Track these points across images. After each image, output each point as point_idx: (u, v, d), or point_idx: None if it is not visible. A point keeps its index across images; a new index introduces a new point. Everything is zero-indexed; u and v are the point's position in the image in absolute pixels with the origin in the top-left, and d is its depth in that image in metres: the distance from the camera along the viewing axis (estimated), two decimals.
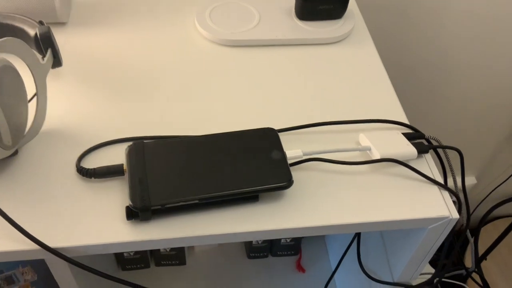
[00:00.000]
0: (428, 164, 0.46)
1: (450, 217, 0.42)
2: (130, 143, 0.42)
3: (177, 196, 0.38)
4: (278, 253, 0.77)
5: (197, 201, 0.38)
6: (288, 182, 0.40)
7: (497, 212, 1.26)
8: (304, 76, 0.53)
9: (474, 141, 1.06)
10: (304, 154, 0.43)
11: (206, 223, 0.39)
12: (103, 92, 0.50)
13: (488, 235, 1.22)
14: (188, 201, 0.38)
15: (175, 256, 0.73)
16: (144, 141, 0.42)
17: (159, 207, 0.38)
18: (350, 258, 0.67)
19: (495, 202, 1.23)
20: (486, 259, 1.04)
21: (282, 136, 0.46)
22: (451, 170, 0.48)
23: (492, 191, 1.17)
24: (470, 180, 1.17)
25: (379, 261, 0.55)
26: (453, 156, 0.52)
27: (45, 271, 0.61)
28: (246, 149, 0.42)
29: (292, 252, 0.77)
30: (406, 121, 0.49)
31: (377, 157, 0.43)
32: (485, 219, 1.23)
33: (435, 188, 0.43)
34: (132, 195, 0.38)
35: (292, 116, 0.49)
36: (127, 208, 0.38)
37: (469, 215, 0.48)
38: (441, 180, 0.44)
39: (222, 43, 0.56)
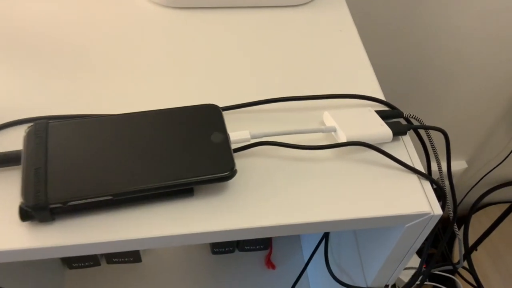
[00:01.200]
0: (407, 149, 0.38)
1: (432, 214, 0.34)
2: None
3: (83, 191, 0.30)
4: (246, 247, 0.70)
5: (110, 197, 0.30)
6: (230, 171, 0.32)
7: (489, 198, 1.20)
8: (262, 44, 0.45)
9: (464, 123, 0.98)
10: (253, 137, 0.34)
11: (124, 225, 0.31)
12: (11, 63, 0.41)
13: (479, 222, 1.15)
14: (98, 197, 0.30)
15: (128, 252, 0.65)
16: (50, 121, 0.33)
17: (60, 205, 0.30)
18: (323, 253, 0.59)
19: (487, 188, 1.17)
20: (476, 250, 0.97)
21: (229, 115, 0.38)
22: (436, 155, 0.40)
23: (484, 176, 1.10)
24: (460, 165, 1.10)
25: (352, 262, 0.47)
26: (438, 139, 0.44)
27: None
28: (179, 131, 0.33)
29: (262, 247, 0.70)
30: (382, 97, 0.41)
31: (343, 139, 0.35)
32: (476, 206, 1.16)
33: (414, 177, 0.36)
34: (25, 190, 0.29)
35: (245, 91, 0.40)
36: (20, 206, 0.30)
37: (456, 209, 0.40)
38: (422, 168, 0.36)
39: (165, 4, 0.47)
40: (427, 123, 0.96)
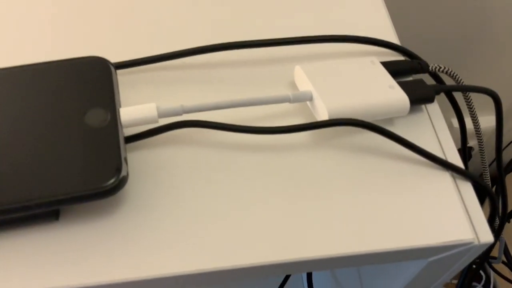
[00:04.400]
0: (434, 127, 0.22)
1: (475, 243, 0.19)
2: None
3: None
4: None
5: None
6: (112, 181, 0.18)
7: None
8: None
9: (493, 71, 0.81)
10: (164, 114, 0.20)
11: None
12: None
13: (511, 185, 1.00)
14: None
15: None
16: None
17: None
18: None
19: None
20: (509, 222, 0.83)
21: (129, 77, 0.23)
22: (478, 133, 0.26)
23: None
24: (489, 121, 0.94)
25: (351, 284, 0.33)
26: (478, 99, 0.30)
27: None
28: (32, 107, 0.19)
29: None
30: (395, 40, 0.26)
31: (323, 115, 0.20)
32: (510, 167, 1.01)
33: (446, 177, 0.21)
34: None
35: (158, 35, 0.25)
36: None
37: (504, 220, 0.26)
38: (460, 160, 0.21)
39: None
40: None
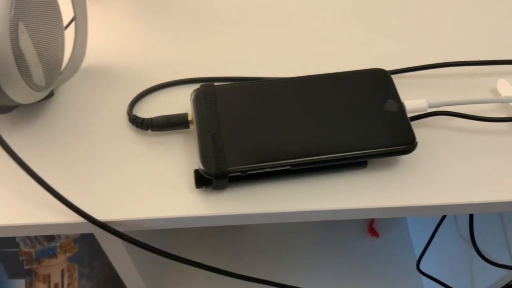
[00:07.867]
0: None
1: None
2: (197, 86, 0.32)
3: (263, 160, 0.28)
4: None
5: (288, 167, 0.29)
6: (410, 144, 0.29)
7: None
8: (424, 2, 0.41)
9: None
10: (430, 106, 0.32)
11: (297, 196, 0.29)
12: (162, 18, 0.39)
13: None
14: (278, 166, 0.28)
15: None
16: (215, 84, 0.31)
17: (239, 173, 0.28)
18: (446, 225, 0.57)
19: None
20: None
21: (395, 80, 0.35)
22: None
23: None
24: None
25: (492, 240, 0.44)
26: None
27: None
28: (349, 98, 0.31)
29: None
30: None
31: None
32: None
33: None
34: (204, 157, 0.28)
35: (405, 54, 0.37)
36: (197, 173, 0.29)
37: None
38: None
39: None
40: None
